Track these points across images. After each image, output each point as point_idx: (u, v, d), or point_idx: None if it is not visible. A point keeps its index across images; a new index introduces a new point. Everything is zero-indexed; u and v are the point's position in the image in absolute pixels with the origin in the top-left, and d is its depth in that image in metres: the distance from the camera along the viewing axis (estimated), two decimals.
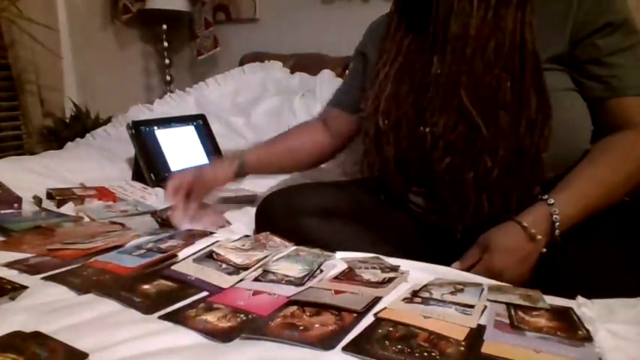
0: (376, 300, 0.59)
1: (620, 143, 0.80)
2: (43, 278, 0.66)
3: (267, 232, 0.85)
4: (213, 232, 0.88)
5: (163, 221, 0.98)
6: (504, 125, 0.77)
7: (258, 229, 0.94)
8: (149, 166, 1.37)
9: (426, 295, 0.60)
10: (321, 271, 0.70)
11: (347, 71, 1.22)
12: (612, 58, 0.79)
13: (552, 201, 0.75)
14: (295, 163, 1.14)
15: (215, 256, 0.73)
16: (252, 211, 0.98)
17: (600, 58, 0.79)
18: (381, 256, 0.76)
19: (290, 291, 0.62)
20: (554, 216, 0.74)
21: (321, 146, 1.11)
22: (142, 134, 1.40)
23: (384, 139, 0.89)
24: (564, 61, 0.80)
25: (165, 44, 2.49)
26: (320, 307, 0.56)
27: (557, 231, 0.74)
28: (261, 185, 1.34)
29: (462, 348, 0.48)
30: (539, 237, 0.74)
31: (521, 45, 0.78)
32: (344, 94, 1.13)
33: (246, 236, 0.84)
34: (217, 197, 1.15)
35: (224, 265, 0.70)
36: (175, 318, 0.55)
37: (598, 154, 0.80)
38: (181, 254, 0.75)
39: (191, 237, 0.83)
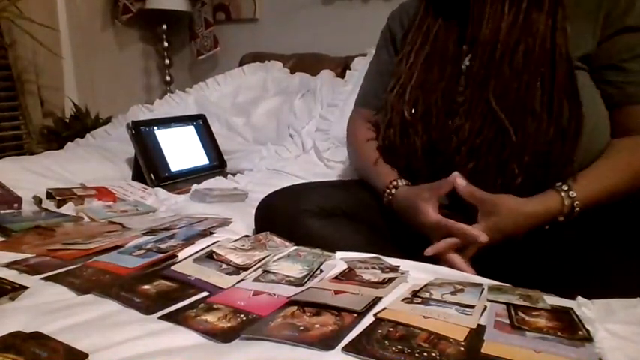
0: (376, 300, 0.59)
1: (625, 143, 0.79)
2: (43, 278, 0.66)
3: (267, 232, 0.84)
4: (213, 232, 0.88)
5: None
6: (532, 132, 0.75)
7: (258, 229, 0.94)
8: (149, 166, 1.37)
9: (426, 295, 0.60)
10: (321, 271, 0.70)
11: (370, 63, 1.12)
12: (630, 64, 0.78)
13: (566, 187, 0.75)
14: None
15: (215, 256, 0.73)
16: (251, 211, 0.98)
17: (618, 62, 0.78)
18: (381, 256, 0.76)
19: (290, 291, 0.61)
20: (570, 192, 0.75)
21: None
22: (142, 134, 1.40)
23: (411, 131, 0.86)
24: (590, 61, 0.80)
25: (166, 44, 2.49)
26: (320, 308, 0.56)
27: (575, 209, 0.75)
28: (251, 184, 1.35)
29: (462, 348, 0.48)
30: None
31: (552, 50, 0.76)
32: (373, 97, 1.03)
33: (246, 236, 0.84)
34: (209, 195, 1.16)
35: (224, 265, 0.70)
36: (175, 318, 0.55)
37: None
38: (181, 254, 0.75)
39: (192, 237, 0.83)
